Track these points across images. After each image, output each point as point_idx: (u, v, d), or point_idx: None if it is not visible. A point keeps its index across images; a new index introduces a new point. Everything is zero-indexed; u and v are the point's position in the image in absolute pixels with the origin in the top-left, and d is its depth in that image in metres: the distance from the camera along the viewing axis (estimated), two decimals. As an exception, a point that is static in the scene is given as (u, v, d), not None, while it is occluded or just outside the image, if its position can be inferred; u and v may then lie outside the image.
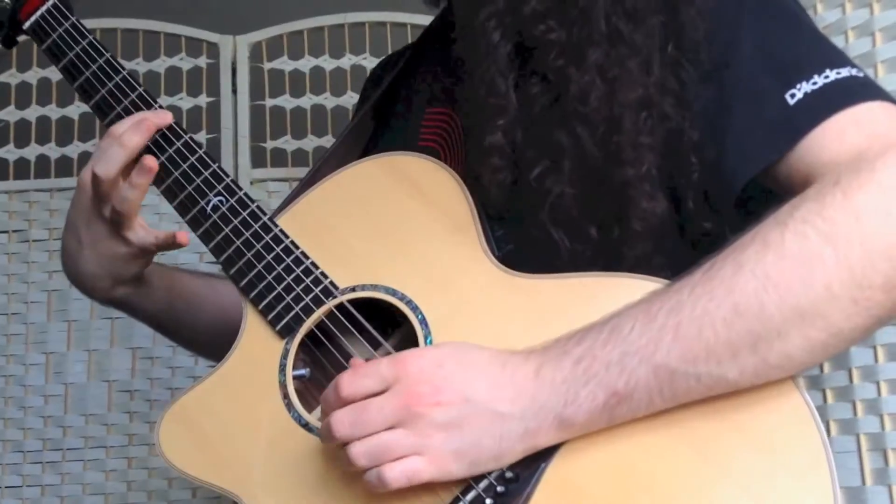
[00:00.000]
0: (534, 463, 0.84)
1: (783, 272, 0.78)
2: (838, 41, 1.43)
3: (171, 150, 1.07)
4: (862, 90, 0.87)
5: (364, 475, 0.83)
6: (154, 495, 1.89)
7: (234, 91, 2.03)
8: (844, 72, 0.88)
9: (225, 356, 1.01)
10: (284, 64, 2.07)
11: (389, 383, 0.83)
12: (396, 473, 0.81)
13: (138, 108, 1.09)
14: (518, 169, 0.98)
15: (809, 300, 0.77)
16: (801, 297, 0.78)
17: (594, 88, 0.94)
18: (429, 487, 0.85)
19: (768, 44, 0.91)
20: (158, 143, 1.08)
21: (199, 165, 1.06)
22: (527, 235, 0.97)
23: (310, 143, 2.04)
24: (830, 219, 0.78)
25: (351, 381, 0.84)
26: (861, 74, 0.88)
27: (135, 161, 1.05)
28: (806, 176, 0.85)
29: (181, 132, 1.08)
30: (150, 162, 1.04)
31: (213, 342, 1.21)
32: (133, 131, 1.05)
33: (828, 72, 0.87)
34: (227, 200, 1.05)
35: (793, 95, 0.87)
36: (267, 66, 2.06)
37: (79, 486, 1.89)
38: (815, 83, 0.87)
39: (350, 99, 2.04)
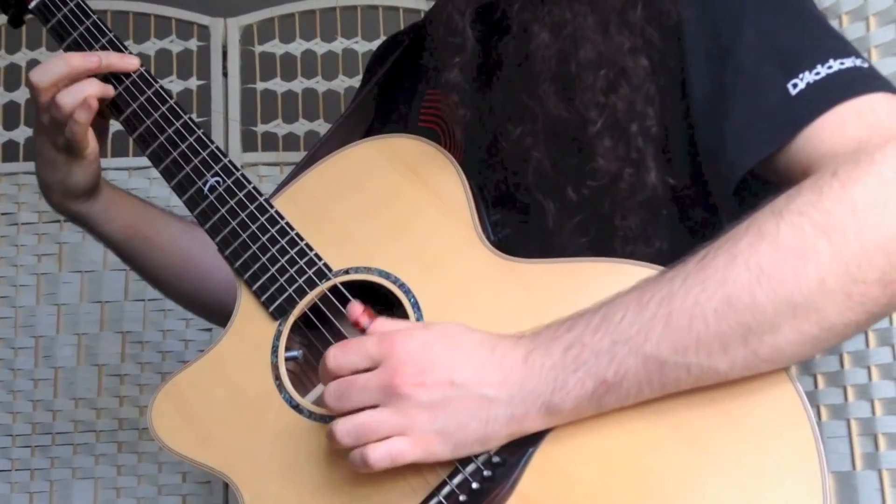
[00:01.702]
0: (521, 448, 0.84)
1: (777, 264, 0.77)
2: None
3: (169, 131, 1.07)
4: (865, 81, 0.86)
5: (349, 456, 0.83)
6: (144, 480, 1.88)
7: (225, 74, 2.02)
8: (848, 62, 0.87)
9: (219, 336, 1.01)
10: (276, 47, 2.06)
11: (376, 361, 0.83)
12: (380, 453, 0.81)
13: (138, 87, 1.10)
14: (499, 132, 0.98)
15: (803, 294, 0.77)
16: (795, 290, 0.77)
17: (551, 45, 0.94)
18: (416, 470, 0.85)
19: (772, 32, 0.90)
20: (158, 123, 1.08)
21: (197, 146, 1.07)
22: (520, 214, 0.97)
23: (301, 126, 2.03)
24: (826, 211, 0.77)
25: (337, 354, 0.84)
26: (866, 65, 0.87)
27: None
28: (805, 167, 0.84)
29: (181, 112, 1.09)
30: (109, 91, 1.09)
31: (174, 286, 1.28)
32: (84, 57, 1.09)
33: (831, 62, 0.86)
34: (225, 181, 1.05)
35: (795, 85, 0.86)
36: (258, 49, 2.05)
37: (68, 470, 1.88)
38: (818, 73, 0.86)
39: (342, 83, 2.03)
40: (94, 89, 1.08)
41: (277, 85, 2.05)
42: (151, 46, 2.04)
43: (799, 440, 0.80)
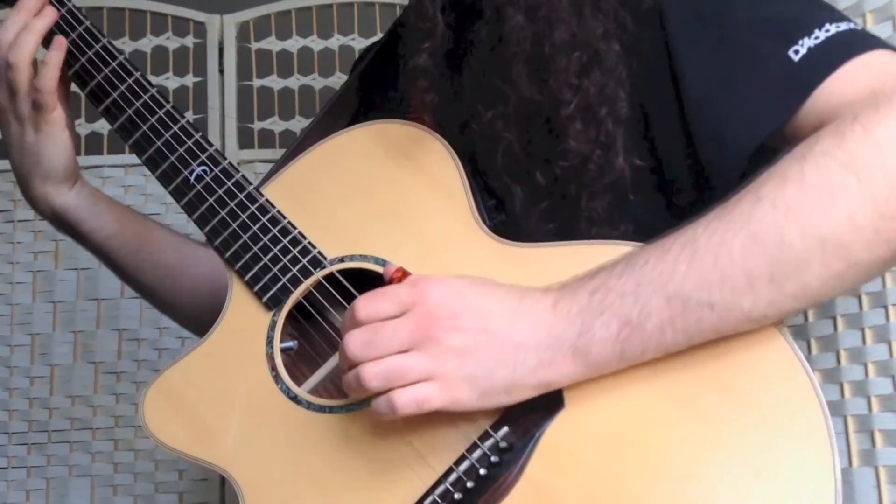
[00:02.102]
0: (528, 432, 0.84)
1: (804, 201, 0.77)
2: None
3: (153, 120, 1.07)
4: (864, 41, 0.87)
5: (373, 404, 0.82)
6: (140, 477, 1.87)
7: (221, 71, 2.01)
8: (843, 26, 0.87)
9: (210, 328, 0.99)
10: (272, 44, 2.05)
11: (408, 307, 0.83)
12: (406, 398, 0.80)
13: (119, 77, 1.09)
14: (470, 115, 0.98)
15: (831, 229, 0.77)
16: (823, 225, 0.77)
17: (525, 28, 0.94)
18: (420, 458, 0.85)
19: (761, 8, 0.90)
20: (141, 113, 1.08)
21: (181, 135, 1.06)
22: (493, 188, 0.96)
23: (297, 123, 2.03)
24: (851, 151, 0.78)
25: (367, 302, 0.84)
26: (859, 28, 0.88)
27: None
28: (817, 124, 0.84)
29: (163, 101, 1.08)
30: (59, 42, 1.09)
31: (167, 295, 1.26)
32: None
33: (828, 26, 0.87)
34: (212, 170, 1.04)
35: (796, 52, 0.87)
36: (254, 45, 2.05)
37: (65, 467, 1.88)
38: (817, 38, 0.86)
39: (338, 80, 2.03)
40: (41, 23, 1.09)
41: (274, 82, 2.05)
42: (147, 43, 2.03)
43: (807, 416, 0.80)
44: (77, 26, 1.11)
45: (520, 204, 0.96)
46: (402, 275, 0.87)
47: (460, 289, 0.83)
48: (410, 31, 1.00)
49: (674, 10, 0.93)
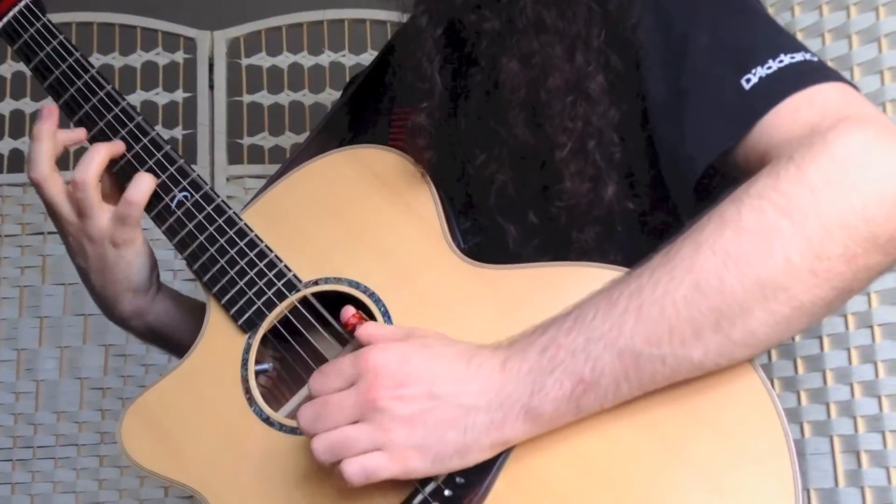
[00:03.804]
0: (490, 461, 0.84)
1: (742, 246, 0.78)
2: (814, 43, 1.44)
3: (137, 147, 1.06)
4: (816, 73, 0.87)
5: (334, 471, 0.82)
6: (125, 494, 1.87)
7: (211, 87, 2.02)
8: (798, 56, 0.88)
9: (187, 351, 1.00)
10: (262, 60, 2.06)
11: (353, 379, 0.82)
12: (355, 468, 0.80)
13: (105, 106, 1.08)
14: (465, 159, 0.98)
15: (770, 273, 0.77)
16: (761, 270, 0.77)
17: (520, 75, 0.95)
18: (381, 488, 0.84)
19: (723, 32, 0.91)
20: (126, 140, 1.07)
21: (164, 161, 1.06)
22: (485, 226, 0.97)
23: (287, 139, 2.03)
24: (785, 192, 0.78)
25: (318, 377, 0.84)
26: (815, 59, 0.89)
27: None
28: (762, 157, 0.85)
29: (148, 128, 1.07)
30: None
31: None
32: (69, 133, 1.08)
33: (782, 56, 0.87)
34: (192, 196, 1.04)
35: (748, 80, 0.87)
36: (245, 61, 2.05)
37: (49, 484, 1.88)
38: (769, 67, 0.87)
39: (329, 96, 2.03)
40: (105, 151, 1.06)
41: (264, 97, 2.05)
42: (137, 59, 2.04)
43: (769, 437, 0.80)
44: (67, 59, 1.11)
45: (513, 242, 0.97)
46: (359, 319, 0.87)
47: (405, 355, 0.82)
48: (408, 88, 1.00)
49: (645, 34, 0.94)
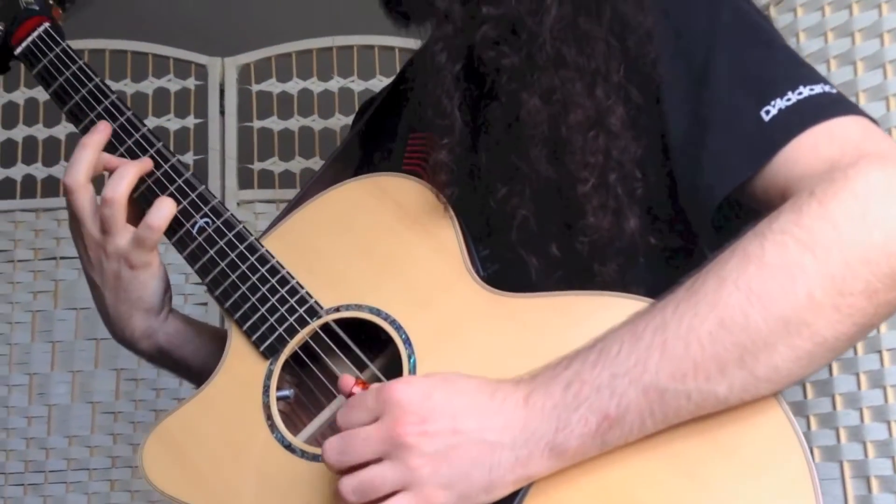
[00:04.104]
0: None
1: (765, 283, 0.78)
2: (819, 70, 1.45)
3: (158, 174, 1.07)
4: (835, 106, 0.88)
5: None
6: (136, 518, 1.88)
7: (222, 112, 2.04)
8: (818, 88, 0.88)
9: (206, 379, 1.00)
10: (272, 86, 2.08)
11: (377, 414, 0.82)
12: None
13: (126, 132, 1.09)
14: (486, 192, 0.98)
15: (793, 309, 0.77)
16: (785, 306, 0.77)
17: (541, 111, 0.95)
18: None
19: (743, 63, 0.92)
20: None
21: (185, 188, 1.06)
22: (506, 256, 0.98)
23: (297, 164, 2.05)
24: (808, 227, 0.78)
25: (344, 414, 0.84)
26: (834, 91, 0.89)
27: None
28: (783, 190, 0.86)
29: (168, 155, 1.08)
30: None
31: None
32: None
33: (801, 88, 0.88)
34: (214, 222, 1.05)
35: (767, 112, 0.88)
36: (255, 87, 2.07)
37: (61, 508, 1.88)
38: (788, 99, 0.88)
39: (338, 121, 2.05)
40: (136, 169, 1.06)
41: (274, 123, 2.07)
42: (149, 85, 2.06)
43: (792, 468, 0.80)
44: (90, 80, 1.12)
45: (536, 274, 0.96)
46: (363, 387, 0.86)
47: (428, 391, 0.82)
48: (428, 125, 1.00)
49: (665, 65, 0.95)
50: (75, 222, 1.07)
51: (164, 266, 1.11)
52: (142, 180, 1.07)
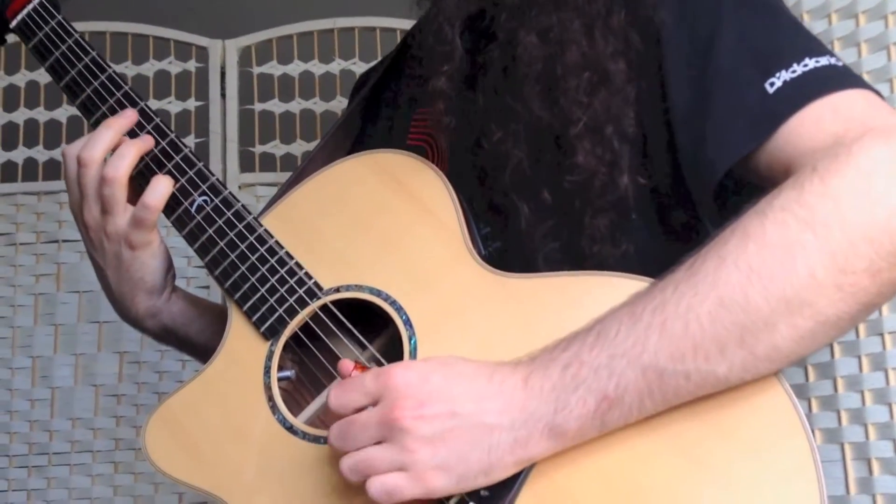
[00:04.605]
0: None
1: (765, 261, 0.77)
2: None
3: (156, 150, 1.07)
4: (840, 78, 0.87)
5: None
6: (140, 500, 1.88)
7: (223, 95, 2.03)
8: (823, 60, 0.87)
9: (210, 358, 1.00)
10: (273, 68, 2.07)
11: (375, 397, 0.82)
12: (377, 488, 0.80)
13: (123, 107, 1.08)
14: (482, 135, 0.98)
15: (794, 288, 0.76)
16: (786, 285, 0.77)
17: (538, 49, 0.95)
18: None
19: (748, 34, 0.91)
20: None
21: (183, 165, 1.06)
22: (501, 208, 0.98)
23: (298, 147, 2.04)
24: (809, 205, 0.77)
25: (337, 394, 0.84)
26: (840, 63, 0.88)
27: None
28: (786, 165, 0.85)
29: (167, 130, 1.07)
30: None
31: None
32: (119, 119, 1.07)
33: (807, 60, 0.87)
34: (212, 200, 1.04)
35: (772, 84, 0.87)
36: (256, 70, 2.06)
37: (65, 490, 1.89)
38: (794, 71, 0.87)
39: (339, 104, 2.04)
40: (136, 148, 1.05)
41: (275, 106, 2.06)
42: (150, 67, 2.05)
43: (794, 449, 0.80)
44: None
45: (525, 221, 0.96)
46: (362, 371, 0.86)
47: (425, 374, 0.82)
48: (428, 54, 1.00)
49: (669, 31, 0.94)
50: (77, 203, 1.07)
51: (166, 246, 1.10)
52: (141, 158, 1.06)
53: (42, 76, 2.02)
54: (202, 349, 1.18)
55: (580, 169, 0.94)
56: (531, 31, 0.96)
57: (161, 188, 1.04)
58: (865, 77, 1.39)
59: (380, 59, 1.99)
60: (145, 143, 1.06)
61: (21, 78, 2.04)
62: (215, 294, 1.90)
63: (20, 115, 2.04)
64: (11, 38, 1.20)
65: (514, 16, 0.97)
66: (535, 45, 0.95)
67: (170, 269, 1.13)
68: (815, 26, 1.47)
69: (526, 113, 0.96)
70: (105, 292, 1.14)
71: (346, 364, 0.87)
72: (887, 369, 1.34)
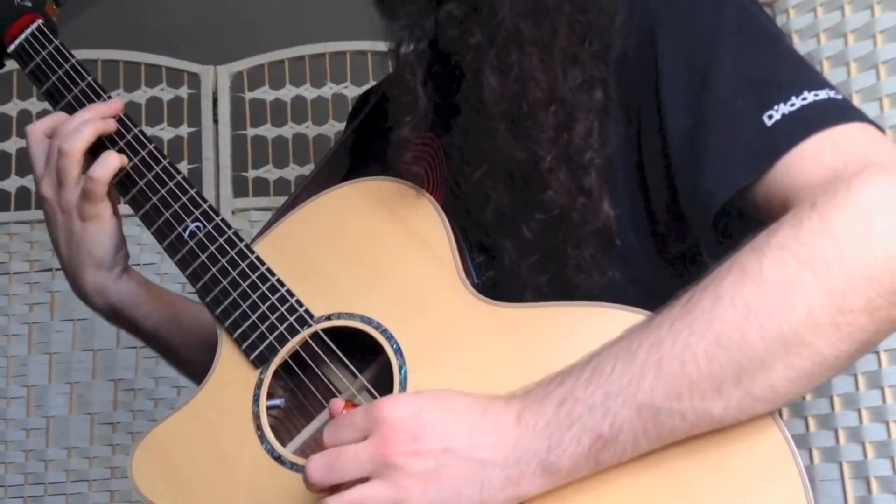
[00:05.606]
0: None
1: (763, 300, 0.76)
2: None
3: (149, 176, 1.07)
4: (839, 112, 0.86)
5: None
6: (136, 529, 1.87)
7: (216, 121, 2.03)
8: (822, 94, 0.86)
9: (199, 386, 1.00)
10: (266, 93, 2.07)
11: (366, 432, 0.80)
12: None
13: (118, 132, 1.11)
14: (460, 174, 0.99)
15: (791, 327, 0.75)
16: (783, 324, 0.75)
17: (501, 88, 0.95)
18: None
19: (746, 65, 0.90)
20: (138, 168, 1.09)
21: (177, 191, 1.07)
22: (492, 250, 0.97)
23: (291, 172, 2.04)
24: (807, 243, 0.76)
25: (330, 434, 0.82)
26: (839, 97, 0.87)
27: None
28: (784, 199, 0.84)
29: (160, 157, 1.08)
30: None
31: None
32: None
33: (805, 94, 0.86)
34: (205, 226, 1.04)
35: (770, 117, 0.86)
36: (248, 95, 2.07)
37: (60, 520, 1.88)
38: (792, 105, 0.86)
39: (332, 128, 2.04)
40: (94, 127, 1.09)
41: (268, 131, 2.06)
42: (142, 94, 2.05)
43: (788, 488, 0.78)
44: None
45: (509, 259, 0.96)
46: (352, 409, 0.85)
47: (418, 408, 0.80)
48: (393, 104, 1.00)
49: (667, 59, 0.93)
50: (40, 176, 1.11)
51: (119, 224, 1.14)
52: (133, 183, 1.08)
53: (34, 105, 2.03)
54: (150, 336, 1.21)
55: (551, 204, 0.93)
56: (494, 70, 0.95)
57: (110, 162, 1.08)
58: (854, 96, 1.39)
59: (371, 82, 2.02)
60: (106, 124, 1.10)
61: (13, 107, 2.04)
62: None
63: (12, 144, 2.04)
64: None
65: (478, 56, 0.96)
66: (498, 83, 0.95)
67: (120, 248, 1.15)
68: (804, 46, 1.47)
69: (498, 152, 0.96)
70: (62, 268, 1.17)
71: (337, 403, 0.86)
72: (884, 387, 1.33)
